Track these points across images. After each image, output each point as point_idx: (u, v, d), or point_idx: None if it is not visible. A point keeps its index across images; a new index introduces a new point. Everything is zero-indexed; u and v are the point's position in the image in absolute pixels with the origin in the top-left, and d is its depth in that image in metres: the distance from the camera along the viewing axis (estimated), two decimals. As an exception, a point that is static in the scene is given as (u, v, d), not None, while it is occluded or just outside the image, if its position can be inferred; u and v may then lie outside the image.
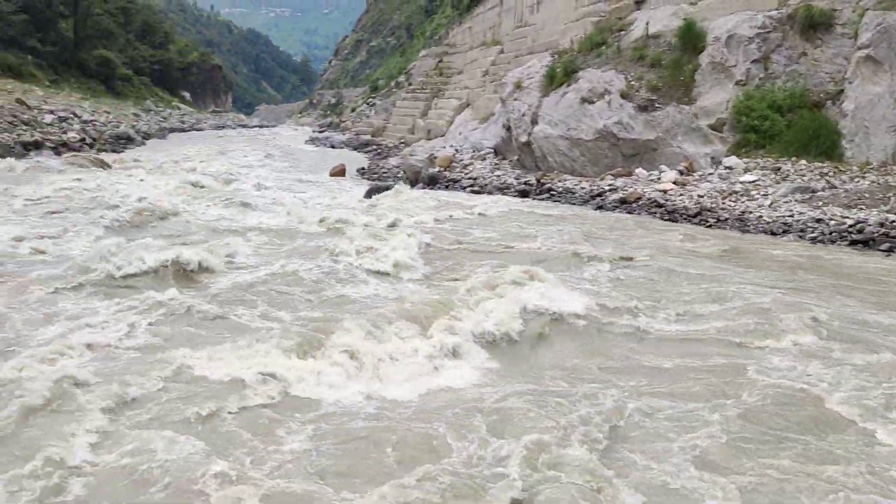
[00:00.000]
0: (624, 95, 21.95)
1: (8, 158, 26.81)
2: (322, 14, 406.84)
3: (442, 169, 26.04)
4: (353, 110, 71.48)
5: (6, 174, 23.44)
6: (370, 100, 68.49)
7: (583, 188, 20.78)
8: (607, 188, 20.16)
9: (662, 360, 7.95)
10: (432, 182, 24.96)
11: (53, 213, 17.00)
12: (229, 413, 6.45)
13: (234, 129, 75.41)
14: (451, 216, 17.85)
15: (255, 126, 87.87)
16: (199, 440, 5.88)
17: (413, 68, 57.71)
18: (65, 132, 36.43)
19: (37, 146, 32.36)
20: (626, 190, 19.60)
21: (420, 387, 7.22)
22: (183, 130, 60.39)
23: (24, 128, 34.14)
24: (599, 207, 19.30)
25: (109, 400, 6.49)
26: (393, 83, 66.03)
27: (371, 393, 7.03)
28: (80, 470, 5.44)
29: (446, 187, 24.42)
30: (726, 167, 19.43)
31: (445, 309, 9.17)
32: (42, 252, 13.03)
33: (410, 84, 52.97)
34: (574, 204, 20.14)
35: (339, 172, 30.12)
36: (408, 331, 8.45)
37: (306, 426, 6.28)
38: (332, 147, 48.80)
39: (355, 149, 45.05)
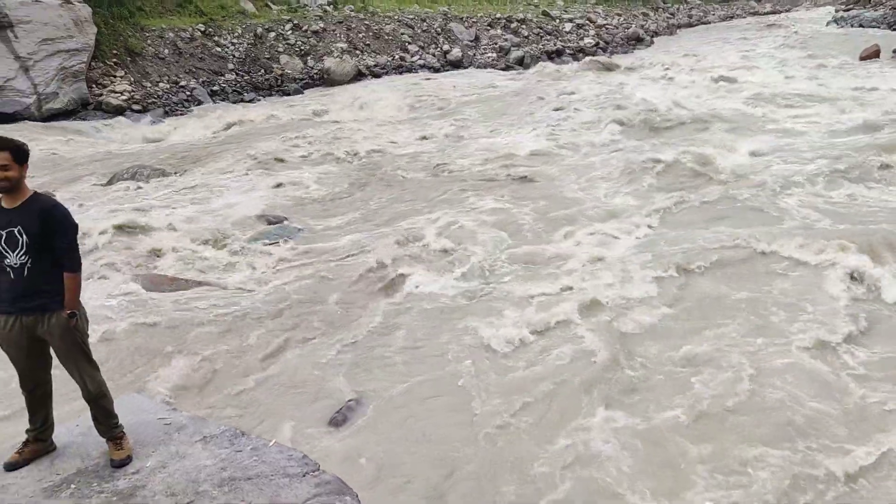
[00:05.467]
0: None
1: (538, 65, 29.70)
2: None
3: None
4: (890, -20, 60.36)
5: (534, 78, 26.01)
6: (914, -36, 56.79)
7: None
8: None
9: None
10: None
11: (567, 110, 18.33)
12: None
13: (743, 17, 70.89)
14: None
15: (767, 12, 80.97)
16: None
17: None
18: (581, 38, 38.71)
19: (558, 53, 35.10)
20: None
21: None
22: (690, 25, 58.99)
23: (548, 38, 37.26)
24: None
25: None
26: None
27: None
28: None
29: None
30: None
31: None
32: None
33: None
34: None
35: (872, 54, 25.98)
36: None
37: None
38: (861, 26, 42.23)
39: (891, 26, 38.29)
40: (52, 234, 3.62)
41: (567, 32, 39.34)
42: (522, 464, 5.22)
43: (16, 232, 3.56)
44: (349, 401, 6.16)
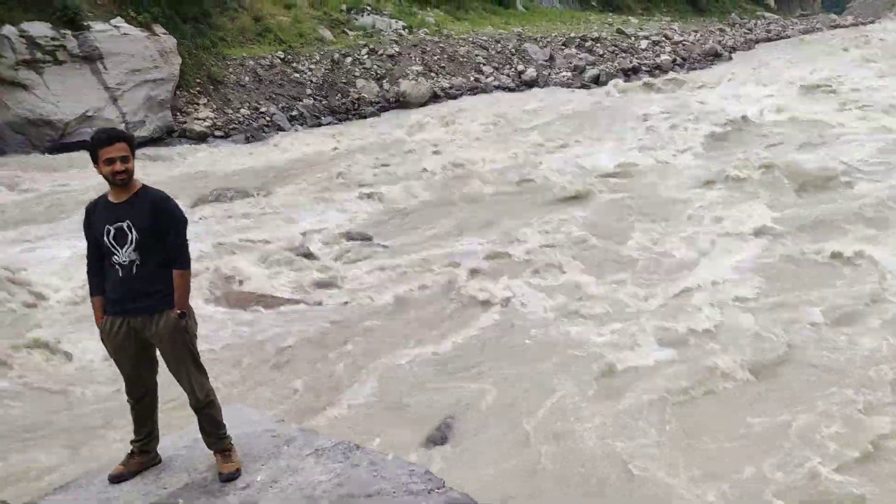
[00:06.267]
0: None
1: (615, 82, 29.19)
2: None
3: None
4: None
5: (614, 95, 25.50)
6: None
7: None
8: None
9: None
10: None
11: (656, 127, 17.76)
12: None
13: (822, 31, 68.60)
14: None
15: (850, 24, 78.19)
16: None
17: None
18: (657, 55, 37.92)
19: (634, 71, 34.38)
20: None
21: None
22: (769, 40, 57.29)
23: (623, 55, 36.65)
24: None
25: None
26: None
27: None
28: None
29: None
30: None
31: None
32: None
33: None
34: None
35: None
36: None
37: None
38: (957, 33, 40.12)
39: None
40: (164, 229, 3.38)
41: (643, 50, 38.61)
42: (648, 482, 4.76)
43: (125, 227, 3.33)
44: (448, 417, 5.83)
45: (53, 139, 18.60)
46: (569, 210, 11.47)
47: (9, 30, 18.36)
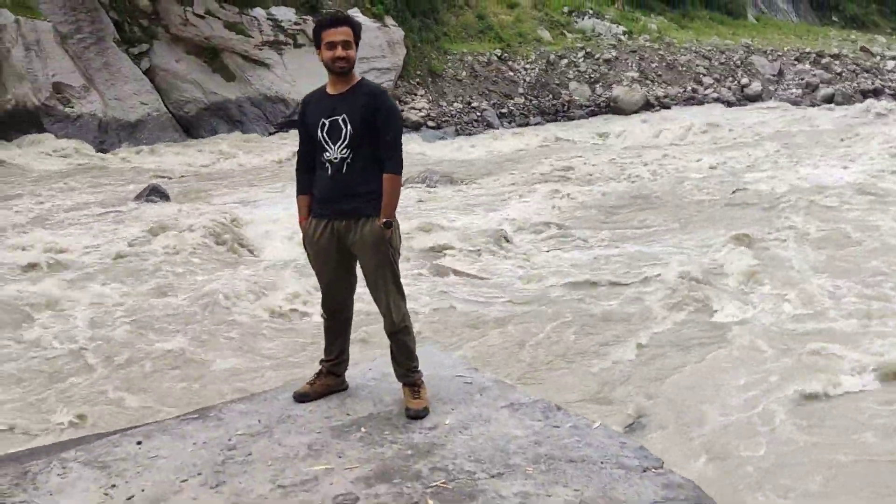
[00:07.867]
0: None
1: (865, 103, 26.63)
2: None
3: None
4: None
5: (853, 116, 23.19)
6: None
7: None
8: None
9: None
10: None
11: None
12: None
13: None
14: None
15: None
16: None
17: None
18: (908, 78, 33.99)
19: (875, 93, 31.04)
20: None
21: None
22: None
23: (865, 75, 33.22)
24: None
25: None
26: None
27: None
28: None
29: None
30: None
31: None
32: None
33: None
34: None
35: None
36: None
37: None
38: None
39: None
40: (379, 125, 3.09)
41: (888, 71, 34.72)
42: None
43: (340, 121, 3.09)
44: (638, 414, 5.33)
45: (286, 115, 19.96)
46: (785, 220, 10.47)
47: (258, 12, 19.95)
